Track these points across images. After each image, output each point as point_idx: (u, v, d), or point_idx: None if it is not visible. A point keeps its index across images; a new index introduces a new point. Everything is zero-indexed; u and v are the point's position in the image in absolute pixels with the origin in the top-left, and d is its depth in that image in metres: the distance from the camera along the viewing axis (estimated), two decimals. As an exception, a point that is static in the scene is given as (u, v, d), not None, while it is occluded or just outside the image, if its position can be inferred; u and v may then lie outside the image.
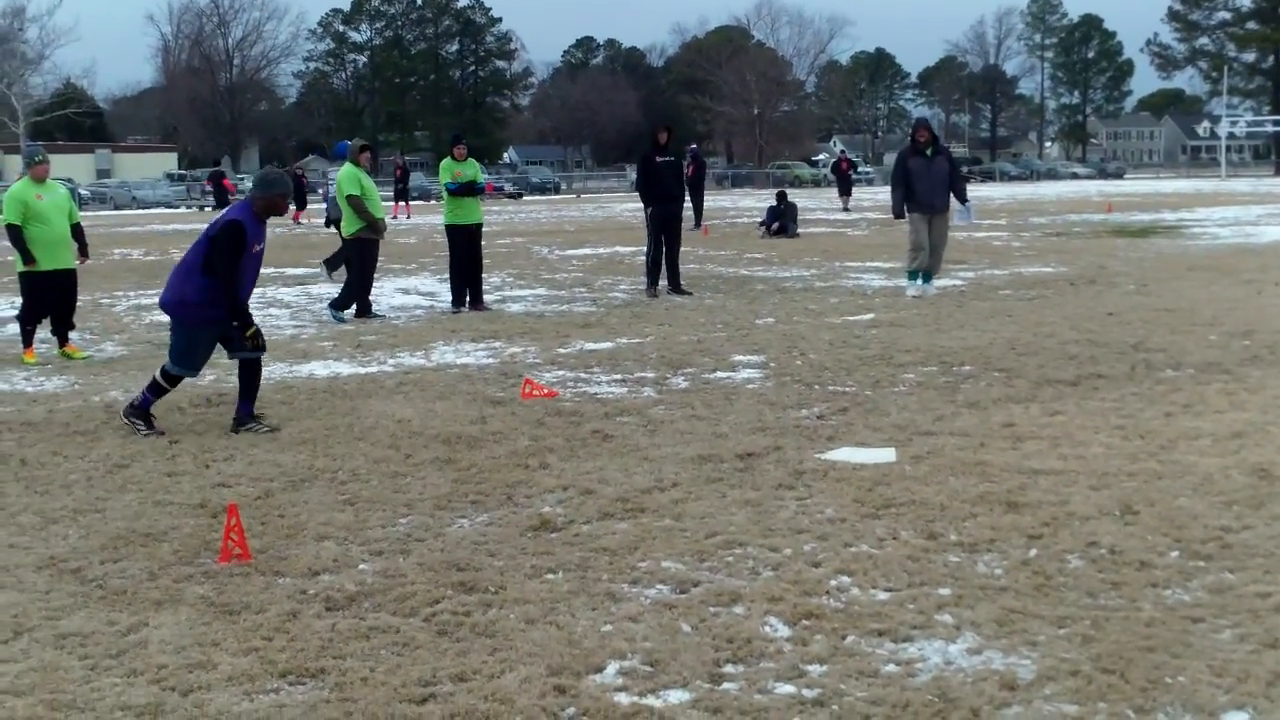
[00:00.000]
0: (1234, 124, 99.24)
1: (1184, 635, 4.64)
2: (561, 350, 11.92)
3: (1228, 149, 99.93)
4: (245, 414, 8.64)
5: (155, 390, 8.61)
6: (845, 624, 4.82)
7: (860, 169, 52.13)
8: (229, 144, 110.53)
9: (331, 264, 18.67)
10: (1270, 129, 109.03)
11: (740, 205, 49.67)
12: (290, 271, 22.03)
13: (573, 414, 8.86)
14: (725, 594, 5.16)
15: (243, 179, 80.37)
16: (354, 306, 14.90)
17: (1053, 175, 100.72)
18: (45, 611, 5.12)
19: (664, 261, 16.70)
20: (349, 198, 14.65)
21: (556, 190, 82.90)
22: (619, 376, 10.39)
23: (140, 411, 8.55)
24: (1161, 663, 4.39)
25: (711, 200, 51.60)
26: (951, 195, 16.14)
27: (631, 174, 67.83)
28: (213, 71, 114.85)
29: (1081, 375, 9.86)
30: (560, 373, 10.65)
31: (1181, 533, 5.84)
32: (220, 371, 11.08)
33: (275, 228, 39.54)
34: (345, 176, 14.84)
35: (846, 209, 42.39)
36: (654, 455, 7.57)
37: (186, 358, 8.62)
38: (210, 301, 8.44)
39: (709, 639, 4.70)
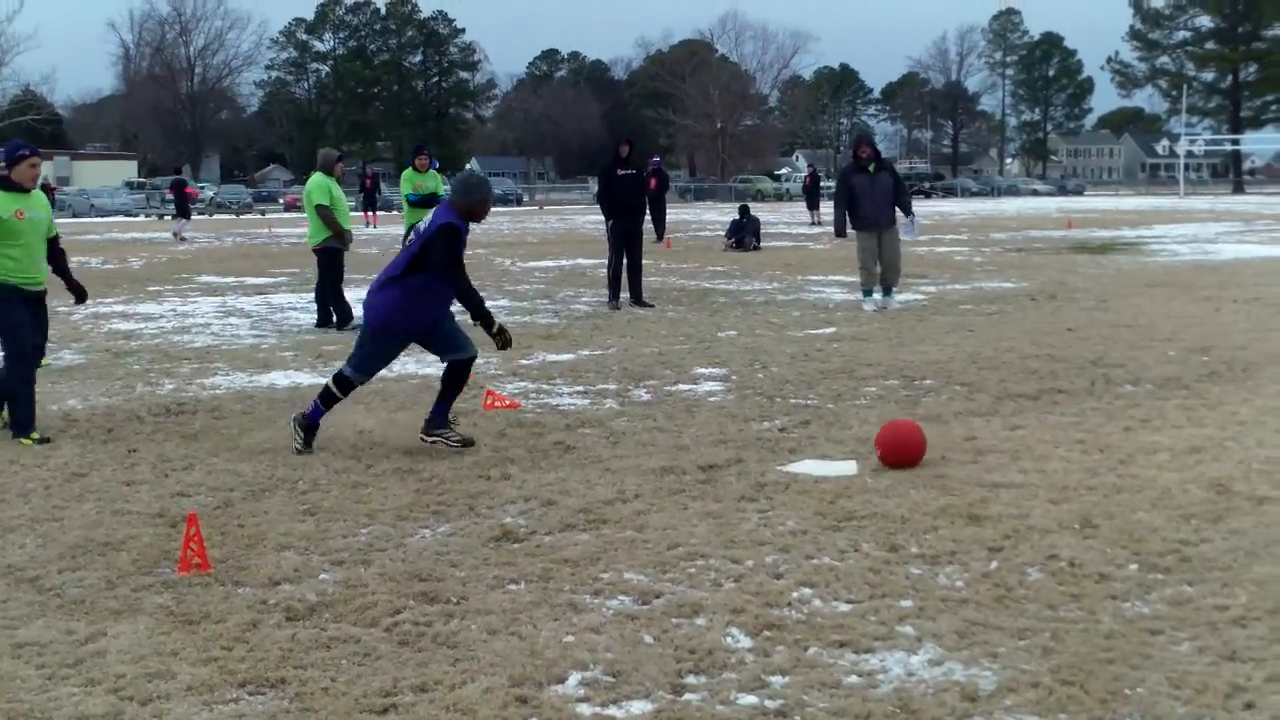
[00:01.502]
0: (1193, 142, 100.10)
1: (1143, 647, 4.67)
2: (523, 362, 11.88)
3: (1186, 167, 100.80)
4: (440, 417, 8.14)
5: (328, 399, 8.06)
6: (807, 635, 4.83)
7: (822, 184, 52.20)
8: (189, 152, 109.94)
9: None
10: (1228, 148, 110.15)
11: (703, 219, 49.85)
12: (250, 280, 21.93)
13: (534, 425, 8.85)
14: (687, 605, 5.16)
15: (203, 187, 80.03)
16: (324, 315, 14.80)
17: (1013, 191, 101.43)
18: (2, 621, 5.06)
19: (626, 274, 16.71)
20: (318, 208, 14.47)
21: (519, 202, 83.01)
22: (581, 388, 10.38)
23: (308, 423, 8.04)
24: (1121, 674, 4.42)
25: (674, 213, 51.66)
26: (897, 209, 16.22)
27: (594, 186, 67.90)
28: (174, 79, 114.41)
29: (1042, 390, 9.92)
30: (522, 384, 10.63)
31: (1140, 546, 5.88)
32: (179, 381, 11.02)
33: (255, 237, 39.35)
34: (315, 186, 14.62)
35: (816, 222, 42.56)
36: (616, 467, 7.56)
37: (364, 363, 8.10)
38: (405, 310, 7.93)
39: (671, 650, 4.69)
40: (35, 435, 8.49)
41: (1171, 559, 5.69)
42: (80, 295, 9.59)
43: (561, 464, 7.70)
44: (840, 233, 16.31)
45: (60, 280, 9.34)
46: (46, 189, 37.14)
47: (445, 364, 8.28)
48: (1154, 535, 6.04)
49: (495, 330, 8.04)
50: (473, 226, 8.30)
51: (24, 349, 8.67)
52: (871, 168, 16.02)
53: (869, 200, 15.85)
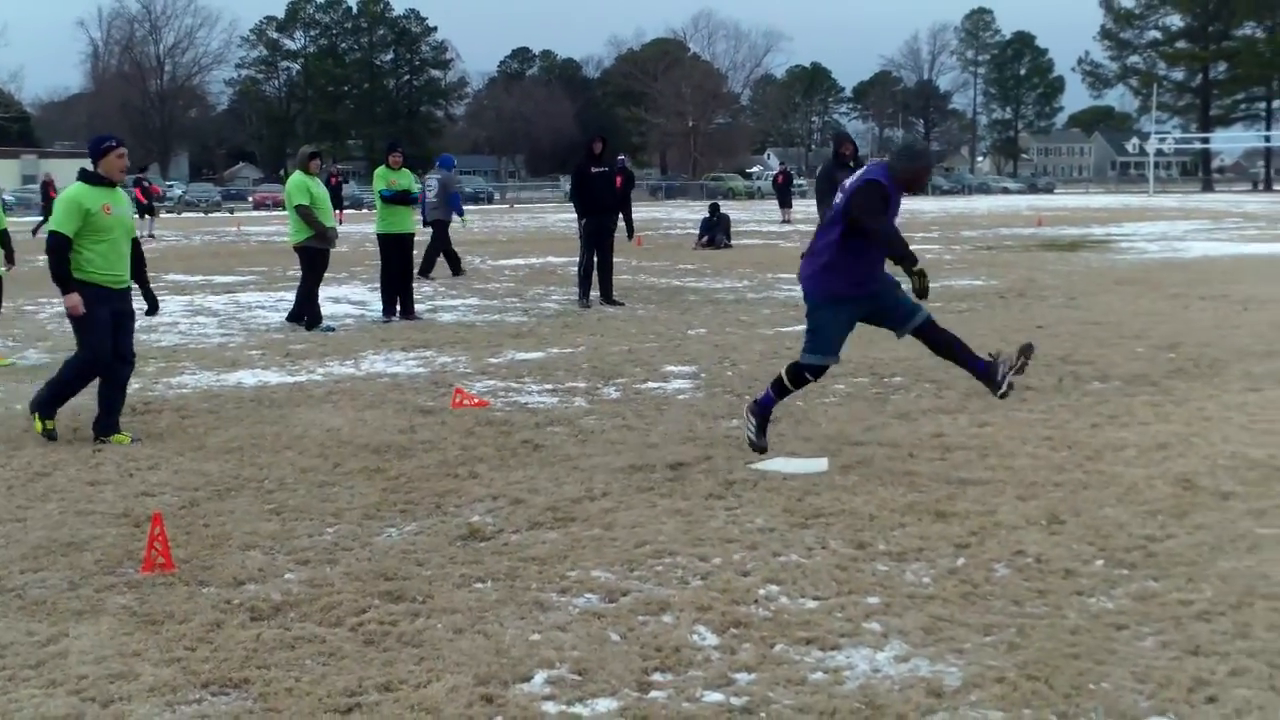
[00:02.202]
0: (1162, 141, 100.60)
1: (1108, 642, 4.69)
2: (492, 360, 11.87)
3: (1156, 165, 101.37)
4: (988, 371, 7.47)
5: (779, 388, 7.60)
6: (774, 632, 4.83)
7: (795, 182, 52.28)
8: (158, 150, 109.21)
9: (423, 269, 20.62)
10: (1198, 146, 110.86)
11: (674, 217, 49.79)
12: (219, 279, 21.81)
13: (503, 423, 8.82)
14: (654, 603, 5.16)
15: (171, 185, 79.50)
16: (298, 312, 14.70)
17: (984, 190, 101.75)
18: (-38, 622, 5.01)
19: (596, 272, 16.68)
20: (298, 207, 14.33)
21: (490, 200, 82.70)
22: (550, 386, 10.36)
23: (760, 409, 7.63)
24: (1085, 669, 4.43)
25: (646, 212, 51.71)
26: None
27: (565, 185, 67.83)
28: (143, 77, 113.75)
29: (1012, 385, 9.90)
30: (491, 382, 10.61)
31: (1106, 542, 5.90)
32: (145, 380, 10.94)
33: (223, 236, 39.14)
34: (295, 186, 14.45)
35: (787, 220, 42.65)
36: (584, 465, 7.55)
37: (817, 342, 7.52)
38: (837, 267, 7.42)
39: (637, 648, 4.69)
40: (51, 424, 8.37)
41: (1137, 554, 5.71)
42: (153, 306, 9.25)
43: (530, 462, 7.68)
44: None
45: (135, 286, 9.06)
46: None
47: (922, 339, 7.63)
48: (1120, 531, 6.06)
49: (917, 269, 7.21)
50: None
51: (100, 355, 8.43)
52: (852, 164, 16.08)
53: None
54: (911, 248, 7.34)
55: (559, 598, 5.26)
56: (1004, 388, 7.43)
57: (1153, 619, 4.92)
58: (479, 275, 22.27)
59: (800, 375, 7.60)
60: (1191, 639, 4.70)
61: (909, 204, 65.62)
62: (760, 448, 7.63)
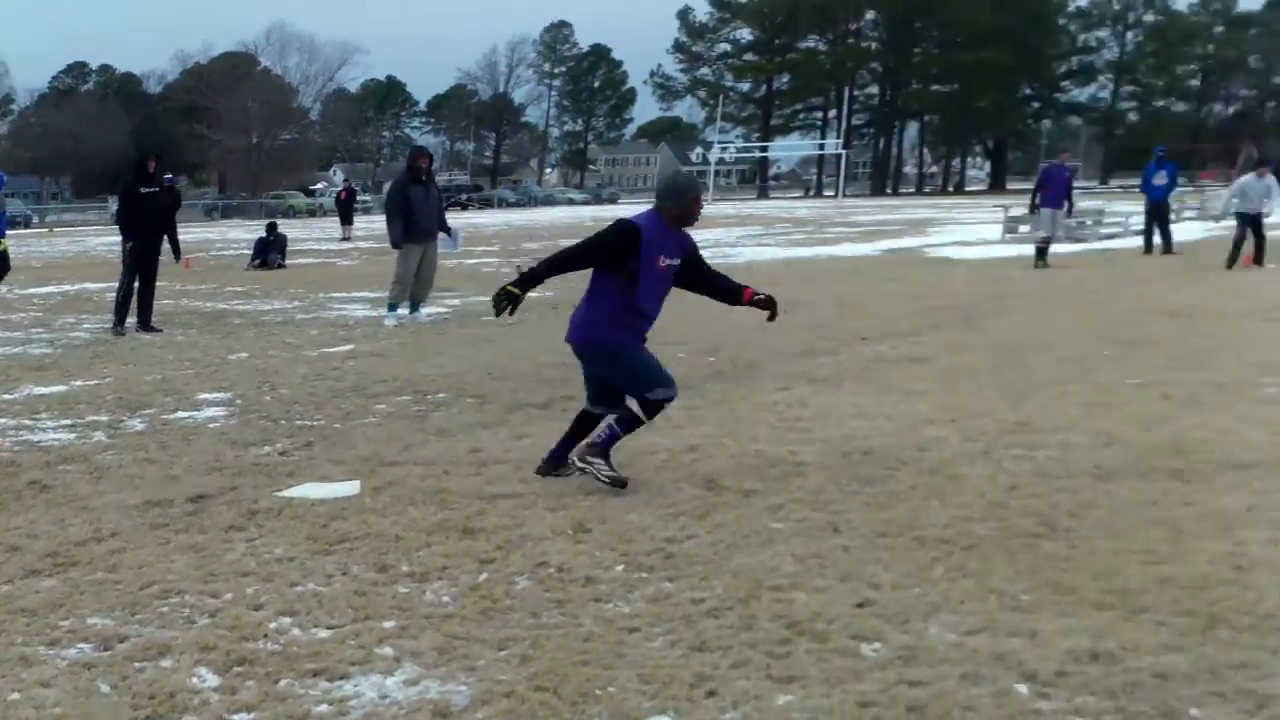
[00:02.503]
0: (724, 150, 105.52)
1: (619, 646, 4.73)
2: (6, 396, 10.94)
3: (717, 174, 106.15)
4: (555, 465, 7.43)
5: (630, 424, 7.18)
6: (280, 667, 4.62)
7: (359, 198, 51.63)
8: None
9: None
10: (757, 155, 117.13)
11: (228, 237, 48.02)
12: None
13: (9, 465, 8.12)
14: (154, 647, 4.84)
15: None
16: None
17: (550, 201, 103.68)
18: None
19: (136, 297, 15.79)
20: None
21: (27, 224, 77.07)
22: (68, 422, 9.63)
23: (601, 449, 7.14)
24: (594, 675, 4.45)
25: (198, 232, 49.88)
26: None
27: (113, 206, 64.29)
28: None
29: (553, 398, 10.01)
30: (1, 421, 9.81)
31: (629, 546, 5.98)
32: None
33: None
34: None
35: (348, 238, 42.04)
36: (95, 504, 7.03)
37: (651, 375, 7.25)
38: (614, 317, 7.63)
39: (129, 698, 4.38)
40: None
41: (656, 557, 5.81)
42: None
43: (34, 505, 7.09)
44: (398, 245, 16.04)
45: None
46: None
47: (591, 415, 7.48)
48: (643, 535, 6.16)
49: (514, 285, 7.52)
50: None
51: None
52: (425, 179, 15.96)
53: (423, 211, 15.73)
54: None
55: (47, 650, 4.85)
56: (543, 468, 7.49)
57: (664, 619, 5.01)
58: (2, 305, 20.64)
59: (652, 407, 7.24)
60: (699, 635, 4.81)
61: (476, 218, 66.02)
62: (621, 482, 7.11)
